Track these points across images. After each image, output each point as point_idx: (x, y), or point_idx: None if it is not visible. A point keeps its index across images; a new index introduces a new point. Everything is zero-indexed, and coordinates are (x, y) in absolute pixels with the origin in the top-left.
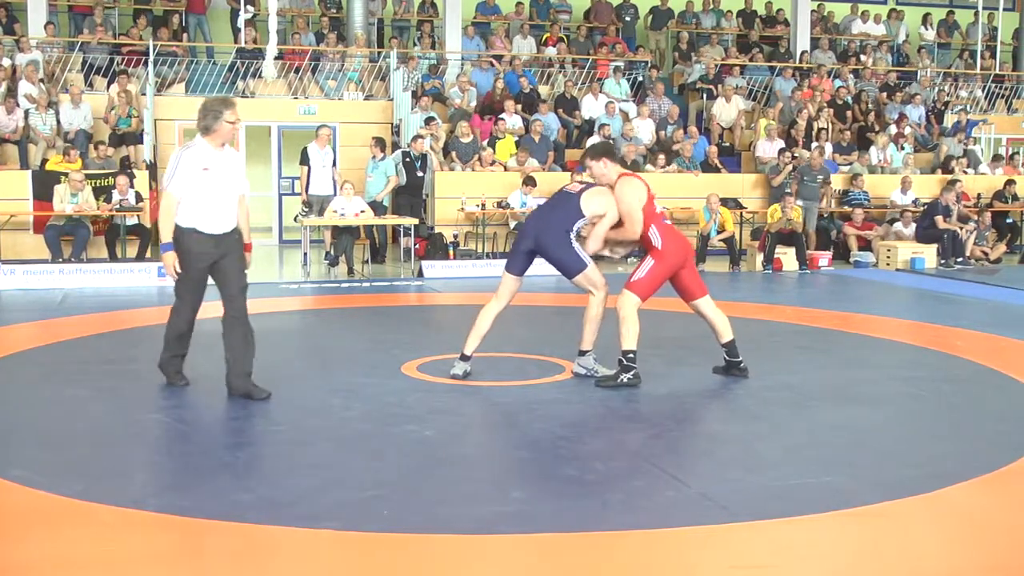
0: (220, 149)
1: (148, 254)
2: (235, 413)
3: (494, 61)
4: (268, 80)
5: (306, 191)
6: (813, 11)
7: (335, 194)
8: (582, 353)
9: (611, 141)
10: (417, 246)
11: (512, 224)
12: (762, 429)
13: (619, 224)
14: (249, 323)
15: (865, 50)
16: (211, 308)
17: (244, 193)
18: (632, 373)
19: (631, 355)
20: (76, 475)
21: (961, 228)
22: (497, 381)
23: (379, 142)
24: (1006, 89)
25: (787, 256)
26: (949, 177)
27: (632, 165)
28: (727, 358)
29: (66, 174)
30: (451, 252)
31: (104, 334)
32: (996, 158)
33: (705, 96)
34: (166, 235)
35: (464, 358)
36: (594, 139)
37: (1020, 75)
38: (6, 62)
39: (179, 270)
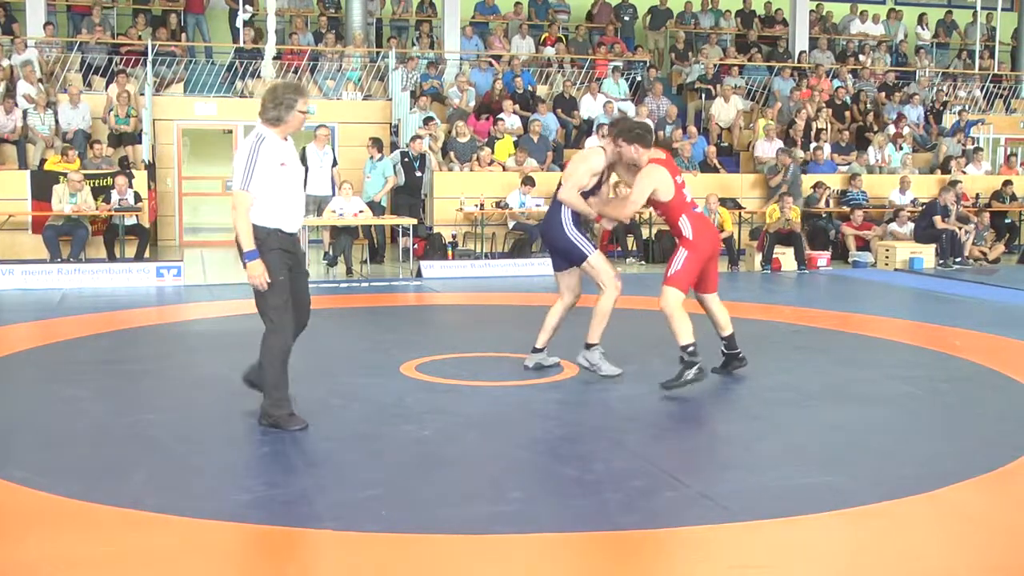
0: (286, 142)
1: (147, 254)
2: (233, 413)
3: (493, 61)
4: (267, 80)
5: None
6: (812, 11)
7: (333, 194)
8: (588, 347)
9: (646, 122)
10: (416, 246)
11: (511, 224)
12: (761, 429)
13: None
14: None
15: (864, 50)
16: (213, 309)
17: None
18: (696, 368)
19: (690, 348)
20: (75, 475)
21: (960, 228)
22: (496, 381)
23: (377, 142)
24: (1004, 89)
25: (786, 256)
26: (948, 177)
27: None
28: (726, 351)
29: (64, 174)
30: (450, 252)
31: (103, 334)
32: (977, 151)
33: (704, 96)
34: (250, 241)
35: (536, 351)
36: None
37: (1019, 75)
38: (4, 62)
39: (268, 280)
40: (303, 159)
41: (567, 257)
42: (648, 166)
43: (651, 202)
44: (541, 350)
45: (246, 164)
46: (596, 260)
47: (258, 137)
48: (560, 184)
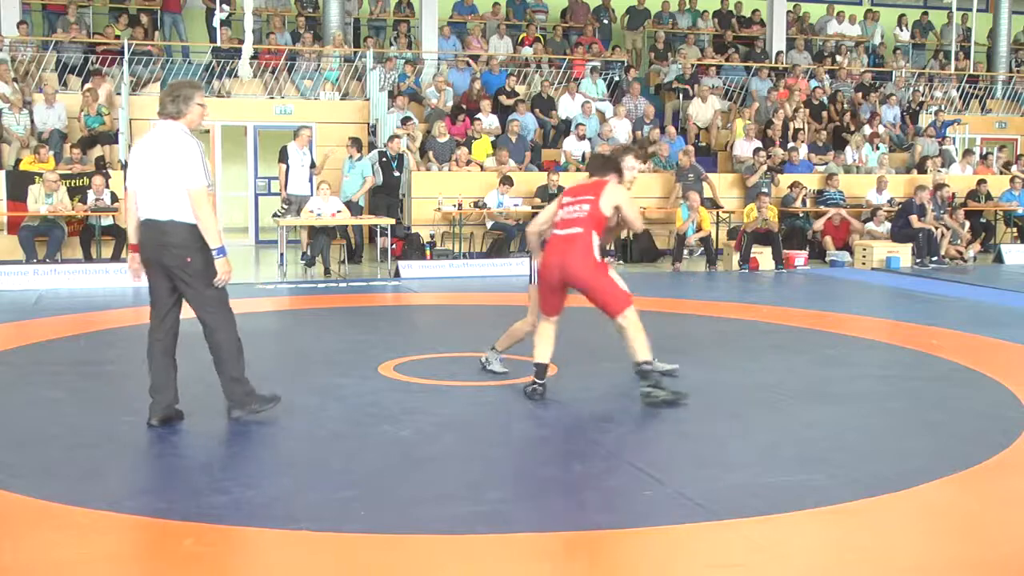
0: None
1: (123, 254)
2: (210, 414)
3: (471, 61)
4: (244, 80)
5: (285, 189)
6: (789, 12)
7: (312, 194)
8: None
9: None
10: (394, 246)
11: (489, 224)
12: (738, 428)
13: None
14: None
15: (841, 51)
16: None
17: None
18: (534, 387)
19: (536, 369)
20: (51, 477)
21: (936, 227)
22: (474, 381)
23: (355, 142)
24: (980, 89)
25: (763, 255)
26: (929, 178)
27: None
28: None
29: (40, 174)
30: (428, 252)
31: (79, 335)
32: (967, 153)
33: (681, 96)
34: (219, 237)
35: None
36: (571, 139)
37: (994, 75)
38: None
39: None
40: (283, 157)
41: None
42: None
43: None
44: (499, 350)
45: (195, 160)
46: (531, 288)
47: (184, 130)
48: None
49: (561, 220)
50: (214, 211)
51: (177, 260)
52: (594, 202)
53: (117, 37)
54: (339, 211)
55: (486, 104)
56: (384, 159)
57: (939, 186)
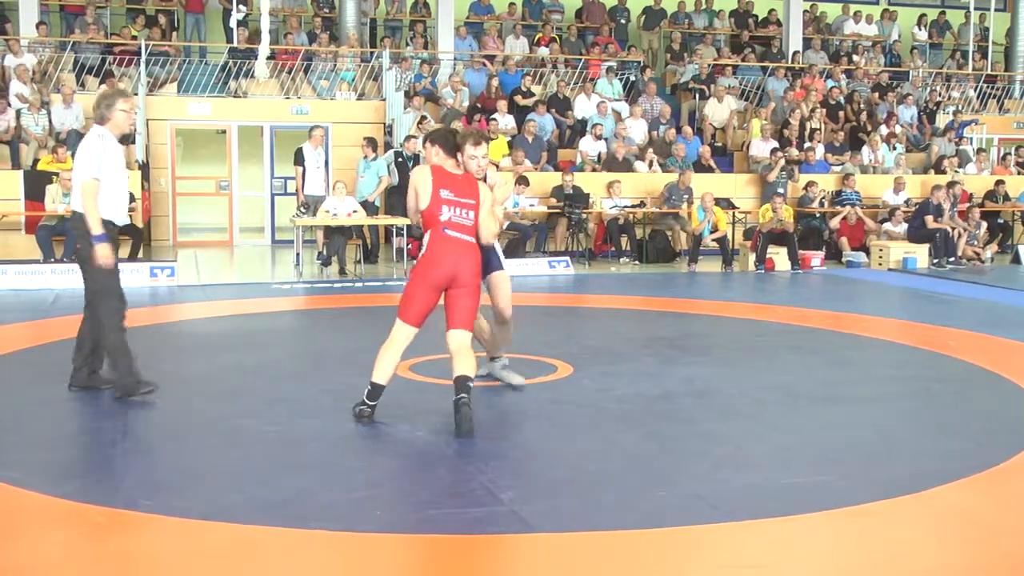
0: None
1: (140, 254)
2: (226, 413)
3: (486, 61)
4: (260, 80)
5: (302, 191)
6: (805, 11)
7: (328, 194)
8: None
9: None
10: (410, 246)
11: (505, 224)
12: (753, 429)
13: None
14: None
15: (857, 50)
16: (206, 309)
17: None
18: (361, 408)
19: (370, 388)
20: (68, 476)
21: (953, 230)
22: (489, 382)
23: (371, 142)
24: (998, 89)
25: (779, 256)
26: (945, 178)
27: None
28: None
29: (57, 174)
30: None
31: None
32: (979, 153)
33: (697, 96)
34: (99, 225)
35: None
36: (587, 139)
37: (1012, 75)
38: None
39: (112, 262)
40: (299, 159)
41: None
42: (420, 167)
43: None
44: (496, 359)
45: (95, 154)
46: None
47: (100, 134)
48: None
49: (449, 219)
50: (94, 202)
51: (78, 246)
52: None
53: (134, 38)
54: (355, 211)
55: (502, 104)
56: (400, 159)
57: (951, 184)
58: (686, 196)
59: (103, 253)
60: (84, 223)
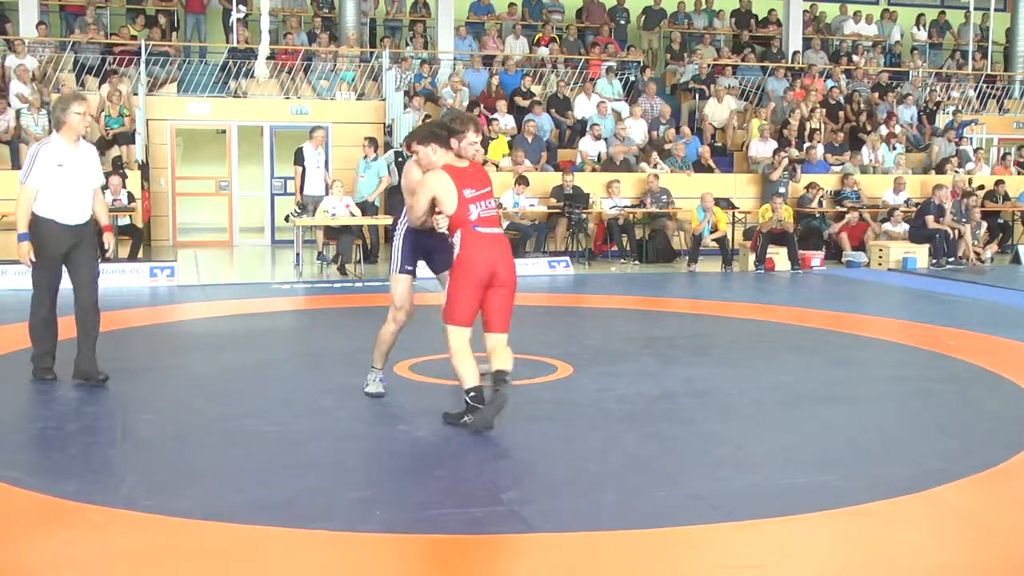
0: (75, 144)
1: (140, 254)
2: (226, 413)
3: (484, 60)
4: (260, 80)
5: (300, 192)
6: (805, 11)
7: (328, 194)
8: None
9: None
10: None
11: (504, 224)
12: (754, 429)
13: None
14: (98, 310)
15: (857, 50)
16: (206, 309)
17: (98, 186)
18: (474, 416)
19: (472, 394)
20: (68, 475)
21: (953, 228)
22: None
23: (371, 142)
24: (998, 89)
25: (779, 256)
26: (943, 178)
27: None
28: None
29: None
30: None
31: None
32: (975, 152)
33: (697, 96)
34: (22, 225)
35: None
36: (587, 139)
37: (1012, 75)
38: None
39: (33, 259)
40: (299, 159)
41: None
42: (432, 171)
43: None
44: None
45: (28, 162)
46: (393, 281)
47: (44, 140)
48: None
49: (479, 216)
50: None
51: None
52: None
53: (134, 38)
54: (347, 205)
55: (502, 104)
56: (400, 159)
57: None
58: (664, 196)
59: (20, 251)
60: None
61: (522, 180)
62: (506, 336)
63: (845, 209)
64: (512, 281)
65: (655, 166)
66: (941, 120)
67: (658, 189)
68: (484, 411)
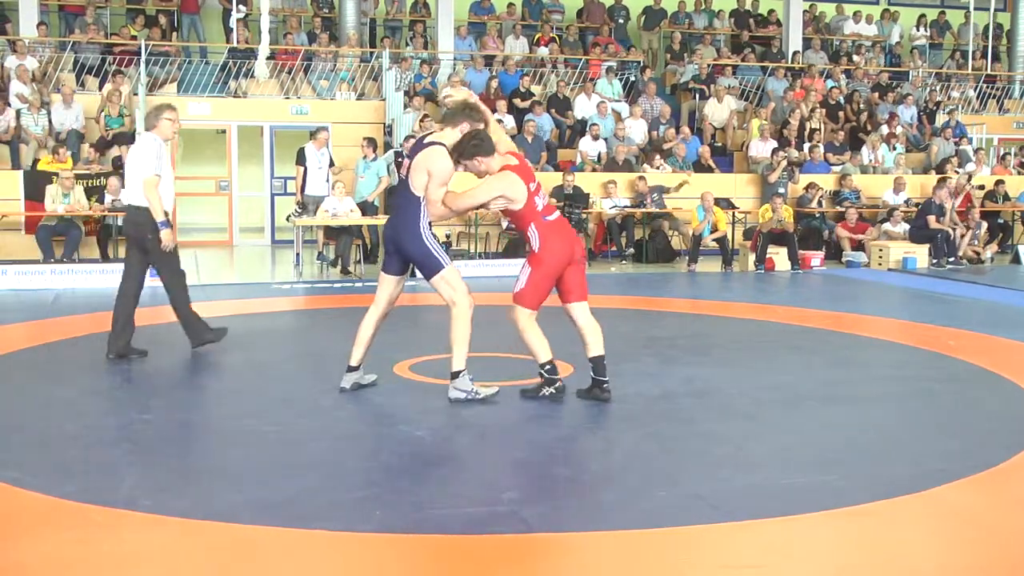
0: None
1: None
2: (226, 413)
3: (484, 66)
4: (260, 80)
5: (301, 192)
6: (805, 11)
7: (329, 195)
8: (454, 375)
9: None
10: None
11: (504, 224)
12: (754, 429)
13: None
14: None
15: (857, 50)
16: (206, 309)
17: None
18: (555, 387)
19: (547, 366)
20: (68, 476)
21: (954, 229)
22: (489, 382)
23: (371, 142)
24: (998, 89)
25: (779, 256)
26: (949, 177)
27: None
28: (592, 375)
29: (57, 174)
30: None
31: (96, 334)
32: (976, 152)
33: (697, 96)
34: (162, 213)
35: (351, 369)
36: (586, 139)
37: (1012, 75)
38: None
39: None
40: (300, 159)
41: (420, 266)
42: (500, 172)
43: (504, 210)
44: (357, 368)
45: (154, 154)
46: (450, 274)
47: (154, 138)
48: (408, 178)
49: (545, 206)
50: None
51: (148, 236)
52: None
53: (134, 38)
54: (352, 211)
55: (502, 104)
56: (400, 159)
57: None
58: (654, 196)
59: (168, 237)
60: (143, 215)
61: None
62: (587, 306)
63: (844, 209)
64: (584, 255)
65: (658, 167)
66: (941, 120)
67: (646, 190)
68: (601, 394)
